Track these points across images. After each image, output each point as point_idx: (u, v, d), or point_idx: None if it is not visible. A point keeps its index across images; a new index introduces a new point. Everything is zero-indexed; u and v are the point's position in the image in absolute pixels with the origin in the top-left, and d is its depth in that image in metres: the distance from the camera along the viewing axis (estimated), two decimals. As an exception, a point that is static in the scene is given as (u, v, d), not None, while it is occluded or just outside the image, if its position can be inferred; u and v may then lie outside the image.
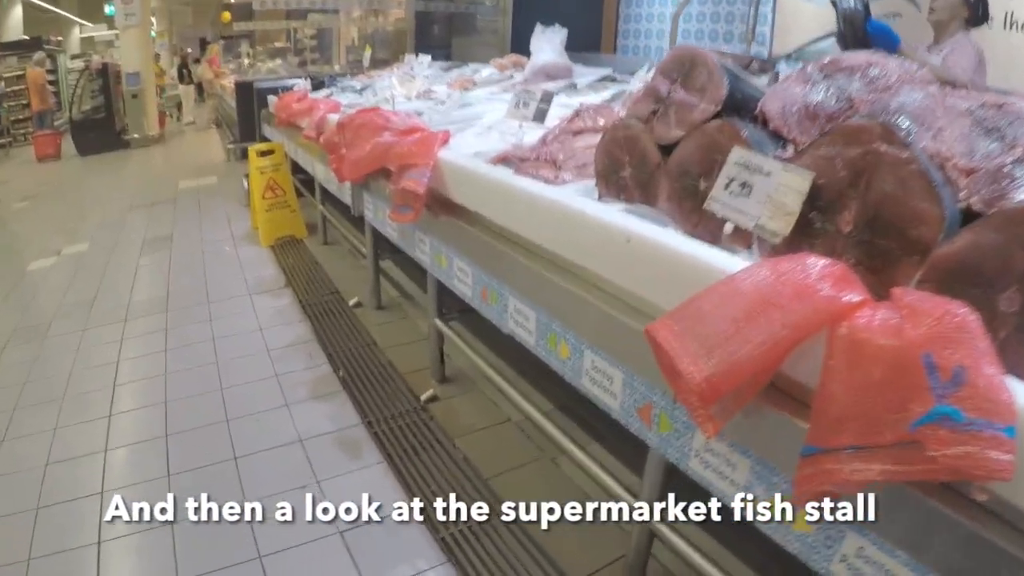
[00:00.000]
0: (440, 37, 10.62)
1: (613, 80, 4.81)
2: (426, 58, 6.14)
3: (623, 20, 8.77)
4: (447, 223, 2.97)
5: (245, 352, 4.41)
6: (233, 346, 4.51)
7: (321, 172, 5.30)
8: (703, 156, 2.03)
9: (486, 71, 5.81)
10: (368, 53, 7.19)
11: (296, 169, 6.81)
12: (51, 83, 17.89)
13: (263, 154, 6.64)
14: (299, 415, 3.71)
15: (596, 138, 2.81)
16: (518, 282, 2.50)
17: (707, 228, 1.99)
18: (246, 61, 17.68)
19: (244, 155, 8.81)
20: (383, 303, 4.93)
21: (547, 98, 3.06)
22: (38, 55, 16.53)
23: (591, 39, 8.64)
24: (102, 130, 14.70)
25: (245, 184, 7.73)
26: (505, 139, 3.22)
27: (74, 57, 20.97)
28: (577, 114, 3.21)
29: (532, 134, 3.12)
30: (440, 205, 3.00)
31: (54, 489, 3.31)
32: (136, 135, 14.76)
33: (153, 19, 20.88)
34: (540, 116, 3.06)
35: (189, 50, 24.30)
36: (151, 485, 3.24)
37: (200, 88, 21.04)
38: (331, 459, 3.34)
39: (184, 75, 19.51)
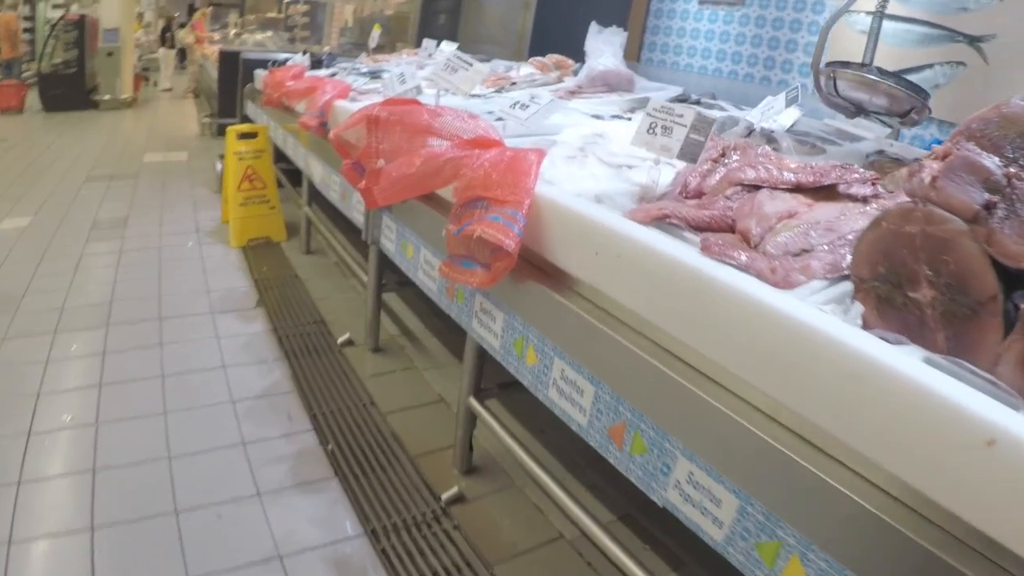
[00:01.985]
0: (446, 27, 9.41)
1: (696, 103, 3.69)
2: (451, 46, 4.96)
3: (651, 32, 7.67)
4: (546, 301, 1.84)
5: (203, 401, 3.21)
6: (187, 390, 3.29)
7: (318, 172, 4.08)
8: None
9: (524, 70, 4.65)
10: (377, 33, 5.97)
11: (279, 156, 5.54)
12: (28, 31, 16.37)
13: (243, 136, 5.38)
14: (277, 514, 2.56)
15: (794, 203, 1.83)
16: (707, 442, 1.45)
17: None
18: (233, 31, 16.15)
19: (221, 132, 7.54)
20: (381, 343, 3.74)
21: (702, 126, 1.92)
22: (12, -2, 14.99)
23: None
24: (71, 87, 12.98)
25: (218, 167, 6.45)
26: (620, 174, 2.08)
27: (56, 7, 19.24)
28: (723, 154, 2.13)
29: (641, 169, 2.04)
30: (531, 267, 1.87)
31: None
32: (107, 96, 13.15)
33: (142, -25, 19.39)
34: (691, 153, 1.93)
35: (176, 14, 22.55)
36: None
37: (182, 54, 19.43)
38: (322, 596, 2.23)
39: (166, 39, 17.89)
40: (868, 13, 5.86)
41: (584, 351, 1.75)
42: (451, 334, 3.78)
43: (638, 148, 2.00)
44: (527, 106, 2.40)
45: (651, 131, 1.99)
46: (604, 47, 4.01)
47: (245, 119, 6.64)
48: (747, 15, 6.72)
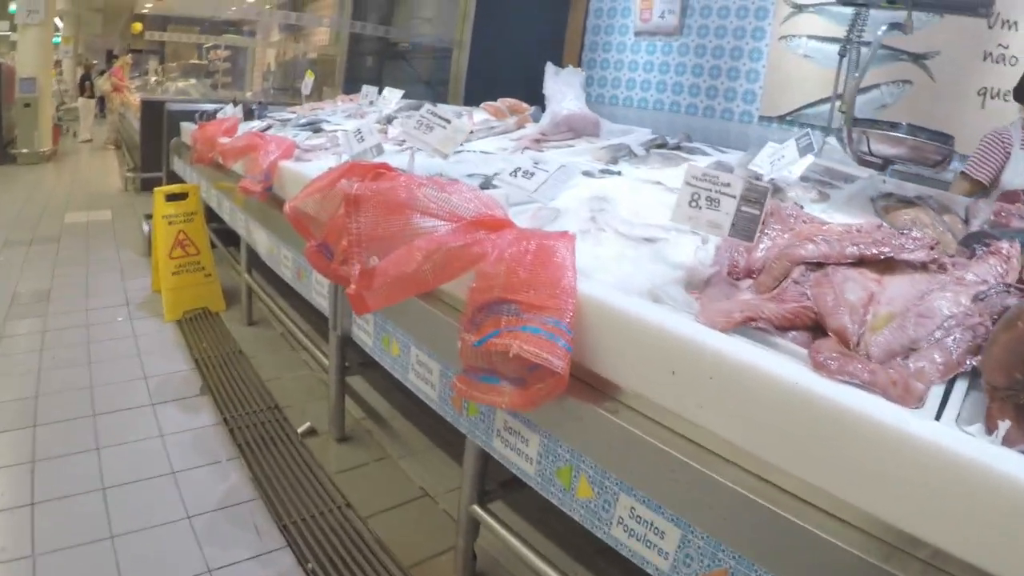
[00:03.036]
0: (374, 70, 8.98)
1: (677, 147, 3.34)
2: (396, 93, 4.54)
3: (587, 66, 7.38)
4: (603, 426, 1.47)
5: (154, 518, 2.66)
6: (135, 505, 2.74)
7: (263, 243, 3.59)
8: None
9: (477, 116, 4.25)
10: (311, 80, 5.51)
11: (210, 215, 4.96)
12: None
13: (172, 198, 4.78)
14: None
15: (865, 282, 1.54)
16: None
17: None
18: (153, 78, 15.32)
19: (145, 187, 6.94)
20: (347, 431, 3.27)
21: (755, 196, 1.56)
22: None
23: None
24: (-13, 141, 12.03)
25: (145, 228, 5.85)
26: (651, 251, 1.70)
27: (-31, 55, 18.02)
28: (763, 222, 1.77)
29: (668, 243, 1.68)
30: (574, 380, 1.49)
31: None
32: (25, 149, 12.13)
33: (59, 22, 18.29)
34: (745, 229, 1.56)
35: (95, 61, 21.39)
36: None
37: (102, 103, 18.42)
38: None
39: (86, 87, 16.89)
40: (810, 37, 5.70)
41: (665, 489, 1.36)
42: (422, 414, 3.32)
43: (680, 223, 1.62)
44: (531, 173, 1.98)
45: (694, 203, 1.61)
46: (566, 89, 3.65)
47: (172, 175, 6.08)
48: (686, 44, 6.47)
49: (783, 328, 1.40)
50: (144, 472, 2.95)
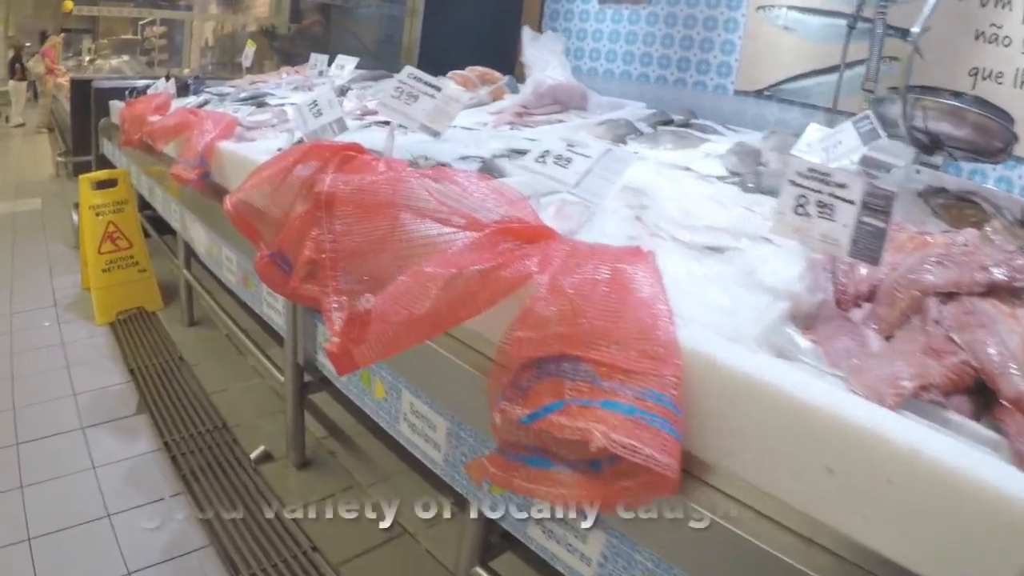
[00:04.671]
0: (320, 41, 8.37)
1: (685, 125, 2.89)
2: (350, 61, 4.00)
3: (547, 36, 6.87)
4: (707, 529, 1.01)
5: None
6: (65, 560, 2.23)
7: (202, 240, 3.04)
8: None
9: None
10: (251, 50, 4.94)
11: (144, 202, 4.37)
12: None
13: (100, 185, 4.20)
14: None
15: (1005, 319, 1.13)
16: None
17: None
18: (87, 58, 14.34)
19: (77, 171, 6.27)
20: (307, 454, 2.77)
21: (879, 204, 1.11)
22: None
23: (507, 56, 6.59)
24: (-87, 126, 11.10)
25: (75, 218, 5.22)
26: (741, 271, 1.25)
27: None
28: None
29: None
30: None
31: None
32: None
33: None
34: (868, 248, 1.12)
35: (28, 44, 20.17)
36: None
37: (35, 85, 17.32)
38: None
39: (16, 70, 15.82)
40: (790, 8, 5.27)
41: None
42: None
43: (784, 235, 1.16)
44: (567, 159, 1.46)
45: (802, 210, 1.15)
46: (548, 56, 3.18)
47: (102, 160, 5.44)
48: (655, 13, 5.97)
49: (947, 393, 0.97)
50: (75, 516, 2.42)
